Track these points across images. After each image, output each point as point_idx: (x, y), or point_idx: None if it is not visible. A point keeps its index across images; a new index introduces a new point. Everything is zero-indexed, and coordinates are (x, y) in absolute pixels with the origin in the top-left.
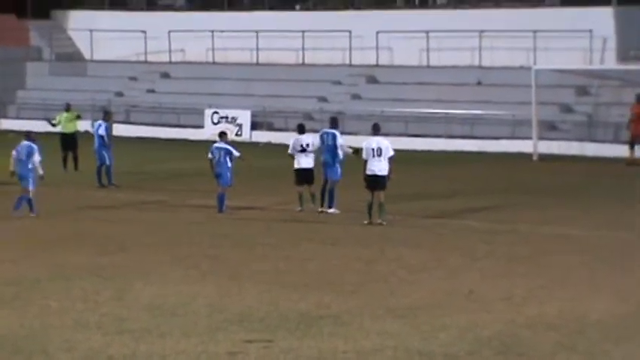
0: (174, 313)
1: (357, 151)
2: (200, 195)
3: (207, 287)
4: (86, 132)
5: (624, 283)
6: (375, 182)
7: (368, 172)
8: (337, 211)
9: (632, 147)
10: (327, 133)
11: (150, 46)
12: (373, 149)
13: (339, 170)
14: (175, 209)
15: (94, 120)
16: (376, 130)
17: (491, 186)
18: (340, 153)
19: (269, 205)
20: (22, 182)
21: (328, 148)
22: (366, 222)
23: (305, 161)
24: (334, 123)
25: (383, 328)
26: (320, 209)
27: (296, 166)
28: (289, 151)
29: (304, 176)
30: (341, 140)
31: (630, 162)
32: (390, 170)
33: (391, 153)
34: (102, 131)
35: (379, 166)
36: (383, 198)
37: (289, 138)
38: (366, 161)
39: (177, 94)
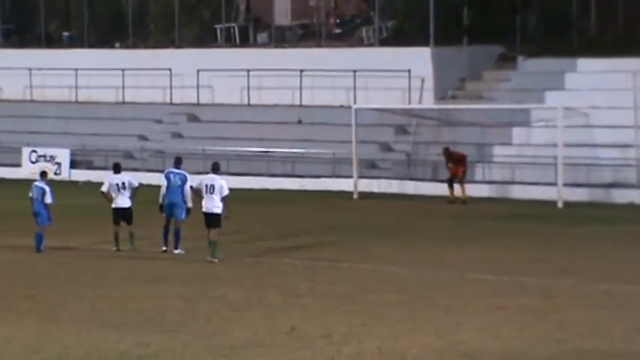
0: None
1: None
2: (18, 234)
3: (24, 329)
4: None
5: (442, 321)
6: (210, 220)
7: (203, 210)
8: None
9: (451, 185)
10: (174, 173)
11: None
12: (207, 185)
13: (184, 210)
14: None
15: None
16: (215, 169)
17: (312, 224)
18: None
19: (89, 244)
20: None
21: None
22: (209, 259)
23: (121, 200)
24: (178, 163)
25: None
26: (164, 248)
27: (113, 205)
28: (103, 189)
29: (121, 215)
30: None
31: (451, 200)
32: (224, 209)
33: (226, 192)
34: None
35: (212, 203)
36: (217, 236)
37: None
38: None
39: None
